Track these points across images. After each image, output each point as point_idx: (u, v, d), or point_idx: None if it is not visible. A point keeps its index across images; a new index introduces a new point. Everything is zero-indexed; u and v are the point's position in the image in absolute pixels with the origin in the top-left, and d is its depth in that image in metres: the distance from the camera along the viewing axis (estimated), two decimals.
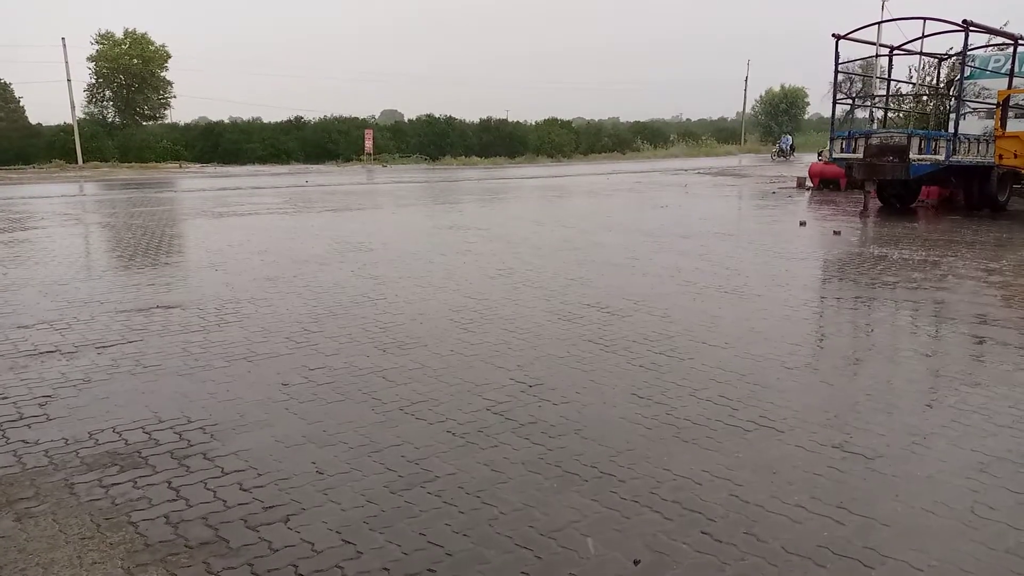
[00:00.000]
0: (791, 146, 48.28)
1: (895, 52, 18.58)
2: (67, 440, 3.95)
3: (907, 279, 8.41)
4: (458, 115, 53.04)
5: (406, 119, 56.42)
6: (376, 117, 62.43)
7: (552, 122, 55.78)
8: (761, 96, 73.58)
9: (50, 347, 5.66)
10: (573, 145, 54.24)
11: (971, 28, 14.82)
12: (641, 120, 65.20)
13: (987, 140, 15.57)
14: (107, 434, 4.03)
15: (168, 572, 2.77)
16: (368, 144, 44.12)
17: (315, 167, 40.03)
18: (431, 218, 15.51)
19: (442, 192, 23.07)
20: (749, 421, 4.19)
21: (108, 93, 46.01)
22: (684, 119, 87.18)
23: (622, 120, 72.62)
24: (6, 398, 4.57)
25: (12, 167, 37.85)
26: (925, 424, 4.18)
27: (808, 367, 5.25)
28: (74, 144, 40.15)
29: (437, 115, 51.92)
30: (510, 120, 56.11)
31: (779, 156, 47.13)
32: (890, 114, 20.33)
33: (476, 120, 53.68)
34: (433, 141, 49.36)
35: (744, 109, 72.87)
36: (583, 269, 8.92)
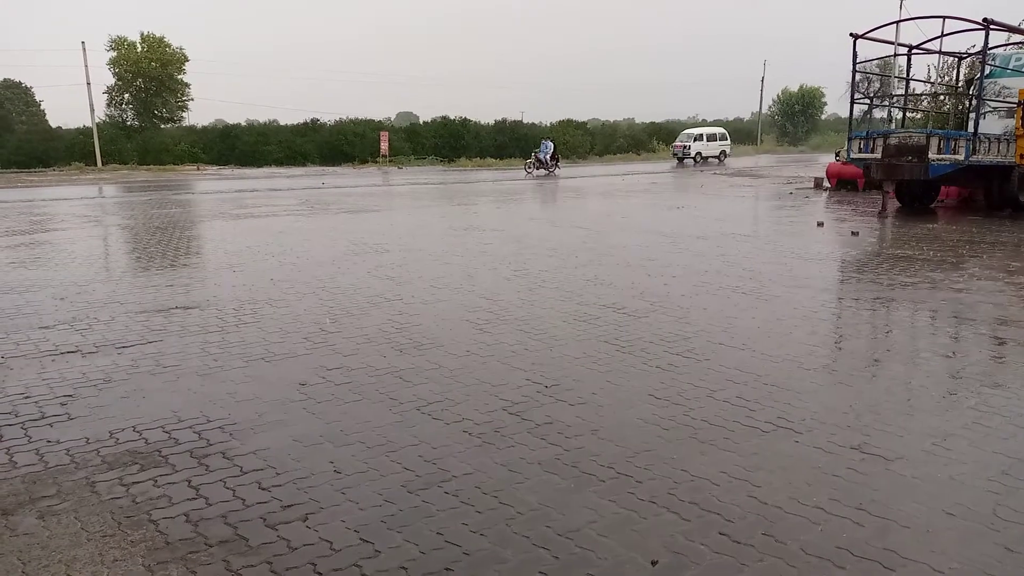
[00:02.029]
0: (553, 155, 33.94)
1: (914, 51, 18.41)
2: (88, 439, 3.99)
3: (926, 280, 8.33)
4: (473, 117, 53.21)
5: (421, 121, 56.60)
6: (391, 119, 62.63)
7: (567, 123, 55.73)
8: (777, 96, 73.28)
9: (71, 347, 5.72)
10: (588, 146, 54.16)
11: (992, 26, 14.66)
12: (656, 121, 64.97)
13: (1008, 139, 15.39)
14: (127, 433, 4.07)
15: (188, 570, 2.80)
16: (384, 146, 44.31)
17: (331, 169, 40.22)
18: (447, 219, 15.54)
19: (457, 193, 23.11)
20: (767, 422, 4.17)
21: (127, 96, 46.46)
22: (700, 119, 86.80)
23: (638, 121, 72.44)
24: (28, 397, 4.63)
25: (33, 170, 38.32)
26: (945, 426, 4.14)
27: (826, 368, 5.21)
28: (93, 147, 40.59)
29: (452, 117, 52.05)
30: (525, 121, 56.18)
31: (536, 169, 33.33)
32: (909, 114, 20.15)
33: (491, 122, 53.79)
34: (448, 143, 49.48)
35: (760, 109, 72.53)
36: (599, 270, 8.90)
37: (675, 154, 44.60)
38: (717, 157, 44.22)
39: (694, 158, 43.20)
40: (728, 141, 46.18)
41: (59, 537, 3.03)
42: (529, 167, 33.50)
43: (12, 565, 2.84)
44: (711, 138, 45.16)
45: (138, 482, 3.50)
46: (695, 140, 44.44)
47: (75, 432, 4.09)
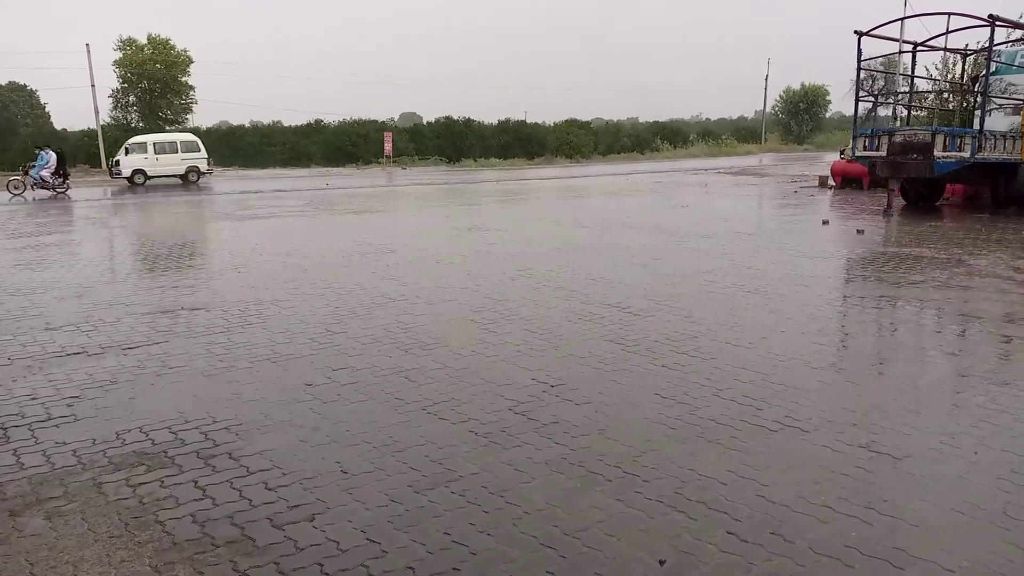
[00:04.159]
0: (58, 170, 23.16)
1: (919, 48, 18.33)
2: (95, 440, 4.00)
3: (932, 278, 8.30)
4: (476, 117, 53.16)
5: (424, 121, 56.59)
6: (395, 120, 62.63)
7: (571, 123, 55.64)
8: (781, 95, 73.02)
9: (77, 348, 5.73)
10: (592, 146, 54.04)
11: (997, 23, 14.60)
12: (660, 120, 64.89)
13: (1014, 136, 15.33)
14: (134, 434, 4.07)
15: (195, 570, 2.80)
16: (387, 147, 44.28)
17: (335, 170, 40.24)
18: (451, 219, 15.52)
19: (461, 194, 23.10)
20: (774, 421, 4.15)
21: (132, 98, 46.57)
22: (704, 118, 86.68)
23: (641, 120, 72.40)
24: (35, 399, 4.64)
25: None
26: (953, 424, 4.12)
27: (833, 367, 5.20)
28: (98, 149, 40.68)
29: (456, 117, 52.05)
30: (528, 121, 56.10)
31: (35, 188, 22.91)
32: (914, 111, 20.07)
33: (495, 121, 53.76)
34: (452, 143, 49.44)
35: (764, 108, 72.37)
36: (603, 269, 8.89)
37: (115, 172, 28.55)
38: (182, 176, 28.74)
39: (131, 178, 27.80)
40: (203, 152, 29.67)
41: (66, 538, 3.03)
42: (16, 187, 22.77)
43: (20, 566, 2.84)
44: (166, 149, 28.85)
45: (145, 483, 3.50)
46: (130, 152, 28.29)
47: (81, 433, 4.09)
